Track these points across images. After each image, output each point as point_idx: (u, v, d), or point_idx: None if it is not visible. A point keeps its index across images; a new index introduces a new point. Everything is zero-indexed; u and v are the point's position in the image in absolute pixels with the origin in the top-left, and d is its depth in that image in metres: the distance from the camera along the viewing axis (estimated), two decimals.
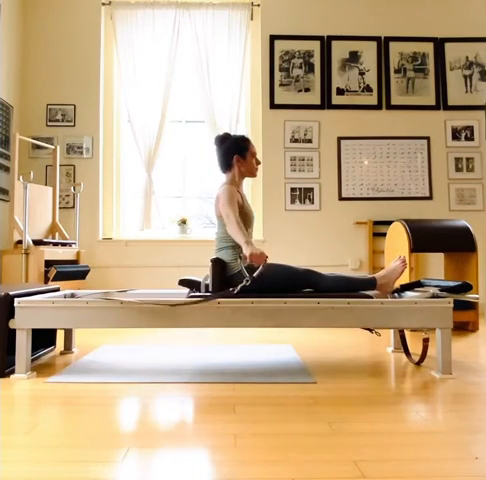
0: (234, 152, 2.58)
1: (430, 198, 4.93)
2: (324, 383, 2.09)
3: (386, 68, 4.99)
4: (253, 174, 2.65)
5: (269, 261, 2.45)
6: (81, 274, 4.23)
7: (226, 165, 2.62)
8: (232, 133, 4.80)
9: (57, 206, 4.57)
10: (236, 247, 2.49)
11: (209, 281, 2.43)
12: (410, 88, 4.99)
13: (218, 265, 2.43)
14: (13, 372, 2.19)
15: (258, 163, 2.65)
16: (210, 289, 2.41)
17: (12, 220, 4.05)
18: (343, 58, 4.97)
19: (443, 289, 2.44)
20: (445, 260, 4.05)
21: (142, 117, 4.80)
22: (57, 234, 4.54)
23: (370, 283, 2.47)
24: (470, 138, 4.98)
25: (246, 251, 2.27)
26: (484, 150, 4.99)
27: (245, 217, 2.55)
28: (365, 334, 3.41)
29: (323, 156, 4.92)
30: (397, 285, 2.61)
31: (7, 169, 4.45)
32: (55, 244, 4.19)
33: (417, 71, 5.01)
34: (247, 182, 4.97)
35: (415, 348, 2.86)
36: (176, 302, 2.19)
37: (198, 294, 2.37)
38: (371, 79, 4.97)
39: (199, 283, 2.51)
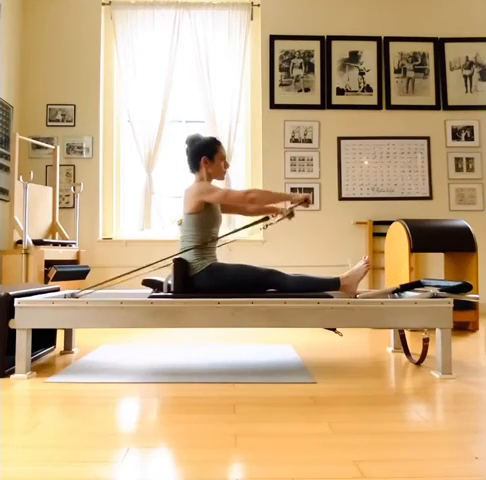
0: (202, 154, 2.57)
1: (430, 198, 4.93)
2: (324, 383, 2.09)
3: (386, 68, 4.99)
4: (221, 177, 2.65)
5: (236, 262, 2.55)
6: (81, 274, 4.23)
7: (194, 166, 2.61)
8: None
9: (57, 206, 4.57)
10: (198, 247, 2.48)
11: (171, 281, 2.44)
12: (410, 88, 4.99)
13: (180, 265, 2.43)
14: (13, 372, 2.19)
15: (226, 166, 2.65)
16: (172, 289, 2.42)
17: (12, 220, 4.05)
18: (343, 58, 4.97)
19: (443, 289, 2.44)
20: (445, 260, 4.05)
21: (142, 117, 4.79)
22: (57, 234, 4.54)
23: (333, 284, 2.48)
24: (470, 138, 4.98)
25: (294, 197, 2.62)
26: (484, 150, 4.99)
27: (213, 217, 2.55)
28: (365, 334, 3.41)
29: (323, 156, 4.92)
30: (359, 288, 2.60)
31: (7, 169, 4.45)
32: (55, 244, 4.19)
33: (417, 71, 5.00)
34: (246, 182, 4.97)
35: (415, 348, 2.85)
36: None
37: (160, 294, 2.38)
38: (371, 79, 4.97)
39: (162, 283, 2.52)
